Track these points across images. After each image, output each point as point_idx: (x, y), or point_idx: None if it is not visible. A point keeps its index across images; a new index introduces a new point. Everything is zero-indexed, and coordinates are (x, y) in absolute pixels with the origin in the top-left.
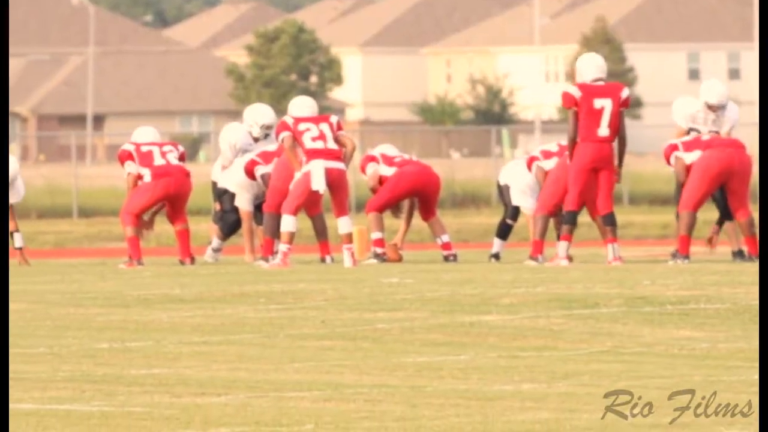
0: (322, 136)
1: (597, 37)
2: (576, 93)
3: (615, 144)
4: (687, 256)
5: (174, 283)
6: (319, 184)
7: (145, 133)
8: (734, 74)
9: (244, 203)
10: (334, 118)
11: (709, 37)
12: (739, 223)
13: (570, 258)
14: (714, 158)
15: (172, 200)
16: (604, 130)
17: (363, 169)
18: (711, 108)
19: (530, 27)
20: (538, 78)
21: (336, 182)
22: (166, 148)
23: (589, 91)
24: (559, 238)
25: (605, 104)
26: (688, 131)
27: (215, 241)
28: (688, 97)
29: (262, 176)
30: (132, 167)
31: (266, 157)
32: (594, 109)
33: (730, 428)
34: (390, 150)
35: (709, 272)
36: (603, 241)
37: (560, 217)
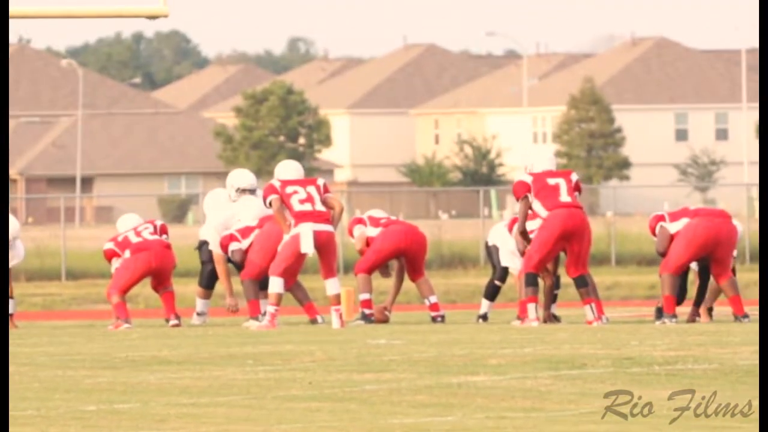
0: (309, 199)
1: (585, 98)
2: (528, 179)
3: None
4: (674, 315)
5: (162, 344)
6: (307, 247)
7: (126, 221)
8: (722, 134)
9: (216, 247)
10: (320, 181)
11: (697, 98)
12: (722, 287)
13: (557, 318)
14: (701, 227)
15: (155, 274)
16: (565, 197)
17: (350, 232)
18: None
19: (518, 88)
20: (526, 139)
21: (324, 244)
22: (140, 228)
23: (541, 175)
24: (526, 300)
25: (559, 181)
26: None
27: (199, 304)
28: None
29: (233, 252)
30: (118, 262)
31: (244, 233)
32: (548, 185)
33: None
34: (377, 213)
35: (695, 332)
36: (582, 301)
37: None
